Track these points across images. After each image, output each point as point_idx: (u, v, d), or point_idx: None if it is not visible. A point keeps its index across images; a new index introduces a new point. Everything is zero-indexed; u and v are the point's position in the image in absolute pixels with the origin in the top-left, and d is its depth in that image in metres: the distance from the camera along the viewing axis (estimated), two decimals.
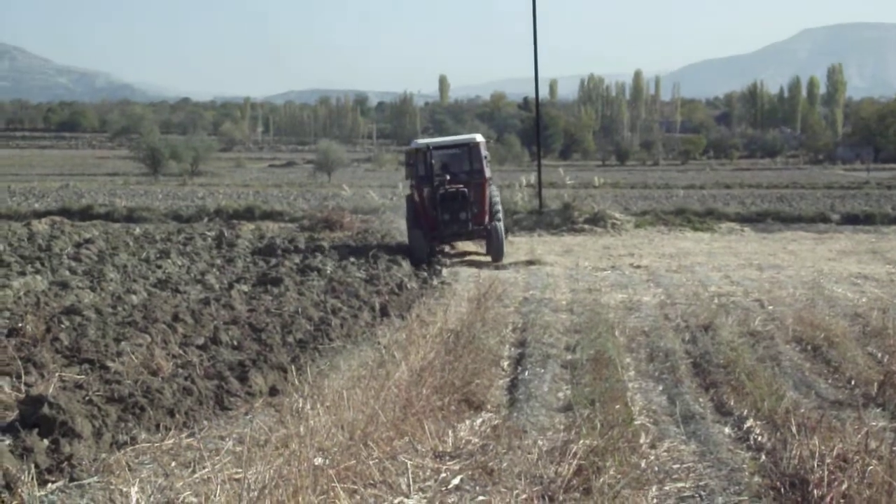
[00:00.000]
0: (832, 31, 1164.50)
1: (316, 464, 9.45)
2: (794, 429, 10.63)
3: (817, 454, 9.35)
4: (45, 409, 10.96)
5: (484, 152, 32.36)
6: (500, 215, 32.44)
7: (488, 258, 32.08)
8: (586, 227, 42.25)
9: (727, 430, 12.47)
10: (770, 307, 22.08)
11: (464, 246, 35.04)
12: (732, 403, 13.61)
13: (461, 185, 31.35)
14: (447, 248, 34.42)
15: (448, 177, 31.52)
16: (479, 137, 33.11)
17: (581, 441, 10.56)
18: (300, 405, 11.82)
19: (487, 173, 32.15)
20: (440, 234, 31.79)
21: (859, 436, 9.87)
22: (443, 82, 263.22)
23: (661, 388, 14.97)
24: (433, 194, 31.22)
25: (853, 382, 14.86)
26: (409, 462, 10.21)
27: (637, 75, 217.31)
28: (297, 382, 13.77)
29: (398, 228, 35.84)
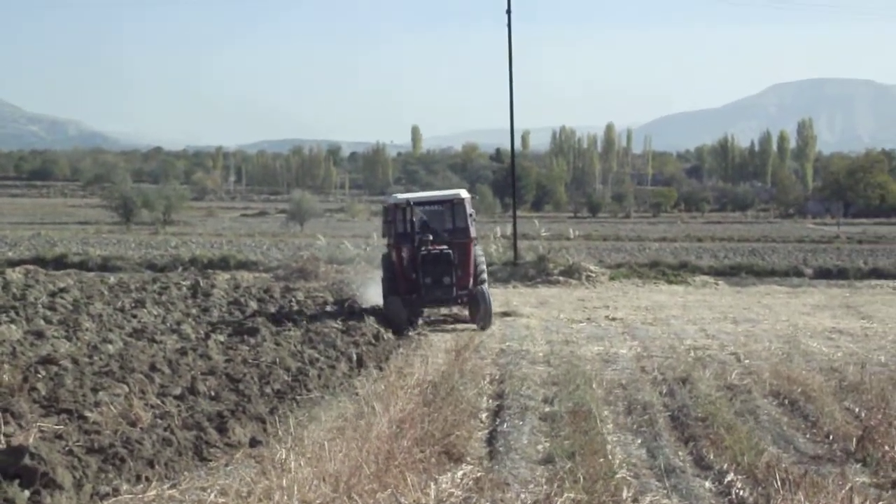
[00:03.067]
0: (801, 86, 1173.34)
1: None
2: (777, 484, 10.66)
3: None
4: (27, 460, 10.91)
5: (469, 209, 29.78)
6: (485, 277, 30.12)
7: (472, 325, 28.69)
8: (561, 279, 42.39)
9: (708, 483, 12.47)
10: (746, 361, 22.13)
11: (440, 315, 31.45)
12: (712, 457, 13.60)
13: (445, 246, 28.41)
14: (426, 312, 30.43)
15: (430, 236, 28.55)
16: (463, 193, 30.52)
17: (564, 495, 10.57)
18: (282, 456, 11.79)
19: (473, 232, 29.52)
20: (421, 299, 28.61)
21: (843, 492, 9.90)
22: (415, 132, 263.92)
23: (640, 440, 14.94)
24: (414, 255, 28.43)
25: (832, 437, 14.87)
26: None
27: (609, 128, 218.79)
28: (277, 433, 13.74)
29: (373, 279, 35.19)
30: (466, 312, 29.71)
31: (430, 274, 28.05)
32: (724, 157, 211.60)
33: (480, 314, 28.28)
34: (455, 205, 29.91)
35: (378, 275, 31.56)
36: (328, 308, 30.74)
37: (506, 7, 46.86)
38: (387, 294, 28.97)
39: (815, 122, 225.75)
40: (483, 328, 27.87)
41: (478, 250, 30.15)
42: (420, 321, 28.92)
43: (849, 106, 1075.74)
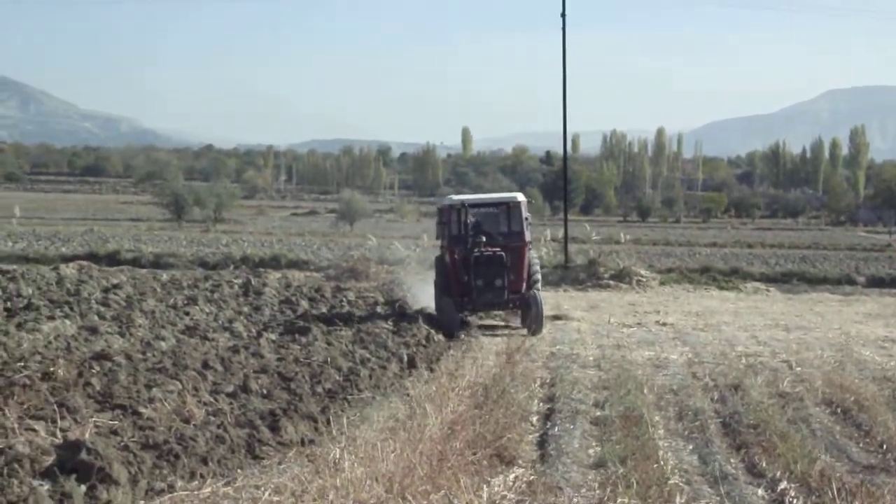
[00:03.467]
0: (855, 93, 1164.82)
1: None
2: (833, 493, 10.60)
3: None
4: (83, 455, 11.00)
5: (525, 213, 29.17)
6: (539, 284, 29.27)
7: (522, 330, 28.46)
8: (612, 283, 42.35)
9: (761, 491, 12.43)
10: (798, 369, 22.03)
11: (493, 318, 31.43)
12: (764, 465, 13.54)
13: (498, 249, 28.02)
14: (475, 319, 30.16)
15: (484, 238, 28.19)
16: (520, 196, 29.98)
17: (618, 500, 10.56)
18: (336, 456, 11.84)
19: (528, 236, 29.04)
20: (472, 302, 28.35)
21: None
22: (465, 134, 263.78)
23: (691, 447, 14.90)
24: (466, 257, 28.05)
25: (885, 447, 14.77)
26: None
27: (659, 132, 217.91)
28: (329, 433, 13.80)
29: (424, 280, 35.05)
30: (518, 317, 29.43)
31: (482, 276, 27.75)
32: (775, 163, 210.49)
33: (531, 319, 27.93)
34: (511, 208, 29.43)
35: (429, 276, 31.41)
36: (379, 308, 30.81)
37: (560, 11, 46.85)
38: (439, 296, 28.57)
39: (867, 129, 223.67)
40: (534, 333, 27.55)
41: (532, 255, 29.69)
42: (471, 323, 29.01)
43: None
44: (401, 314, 28.92)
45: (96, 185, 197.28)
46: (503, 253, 27.87)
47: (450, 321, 27.42)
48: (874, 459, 14.24)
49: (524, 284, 28.50)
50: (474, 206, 29.45)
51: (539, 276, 29.47)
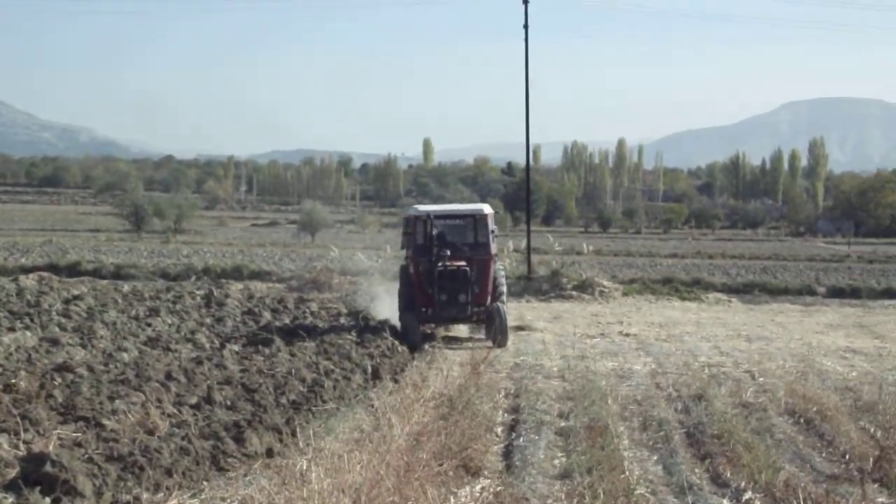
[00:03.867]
0: (813, 104, 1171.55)
1: None
2: (798, 502, 10.65)
3: None
4: (48, 468, 10.95)
5: (492, 225, 28.86)
6: (504, 297, 28.98)
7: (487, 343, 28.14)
8: (574, 293, 42.45)
9: (726, 502, 12.50)
10: (761, 379, 22.18)
11: (457, 330, 30.83)
12: (729, 475, 13.61)
13: (462, 262, 27.71)
14: (441, 331, 30.00)
15: (448, 251, 27.87)
16: (487, 209, 29.72)
17: None
18: (302, 467, 11.80)
19: (493, 249, 28.68)
20: (436, 315, 28.24)
21: None
22: (427, 145, 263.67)
23: (656, 457, 14.96)
24: (430, 269, 27.68)
25: (848, 457, 14.86)
26: None
27: (620, 143, 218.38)
28: (294, 444, 13.77)
29: (387, 291, 35.00)
30: (483, 329, 29.18)
31: (446, 291, 27.51)
32: (735, 174, 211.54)
33: (496, 331, 27.69)
34: (477, 220, 29.15)
35: (392, 287, 31.37)
36: (342, 319, 30.80)
37: (522, 22, 46.94)
38: (402, 308, 28.33)
39: (826, 140, 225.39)
40: (499, 345, 27.24)
41: (498, 267, 29.32)
42: (435, 335, 29.07)
43: (860, 125, 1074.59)
44: (364, 325, 28.89)
45: (55, 195, 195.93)
46: (467, 268, 27.61)
47: (412, 335, 27.23)
48: (837, 469, 14.33)
49: (489, 297, 28.18)
50: (440, 218, 29.03)
51: (504, 289, 29.09)
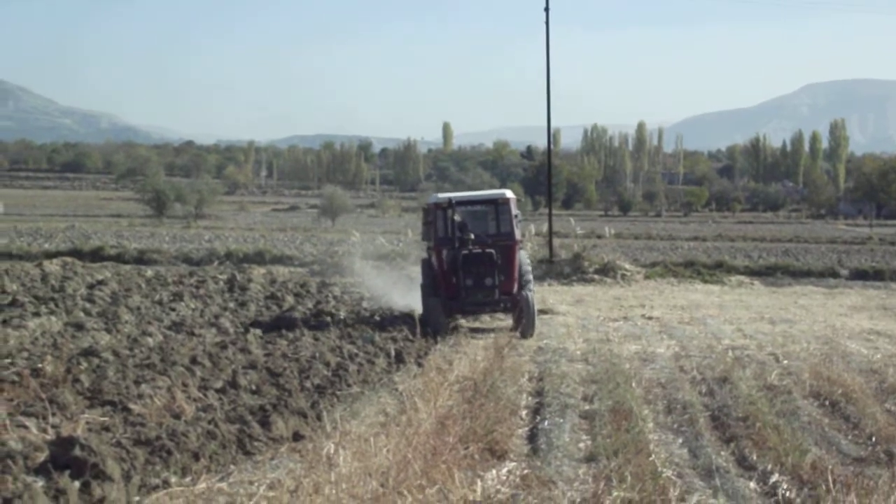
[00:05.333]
0: (834, 86, 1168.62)
1: None
2: (828, 485, 10.62)
3: None
4: (77, 451, 10.96)
5: (514, 210, 27.85)
6: (532, 284, 28.00)
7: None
8: (596, 277, 42.47)
9: (752, 484, 12.46)
10: (785, 361, 22.08)
11: (481, 318, 29.52)
12: (755, 457, 13.58)
13: (488, 247, 26.78)
14: (466, 322, 28.74)
15: (472, 236, 26.86)
16: (508, 193, 28.56)
17: (613, 493, 10.56)
18: (330, 451, 11.82)
19: (518, 235, 27.63)
20: (461, 302, 26.86)
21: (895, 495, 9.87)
22: (446, 129, 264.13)
23: (681, 440, 14.92)
24: (455, 256, 26.62)
25: (874, 439, 14.82)
26: None
27: (640, 126, 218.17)
28: (320, 427, 13.80)
29: (408, 276, 35.03)
30: (510, 320, 27.61)
31: (472, 275, 26.53)
32: (755, 156, 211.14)
33: (523, 322, 26.42)
34: (499, 205, 28.07)
35: (414, 271, 31.28)
36: (365, 304, 30.81)
37: (543, 5, 46.83)
38: (426, 296, 27.17)
39: (847, 122, 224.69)
40: (525, 336, 26.01)
41: (523, 254, 28.33)
42: (460, 326, 27.84)
43: (881, 107, 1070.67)
44: (388, 309, 28.90)
45: (76, 181, 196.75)
46: (493, 251, 26.66)
47: (436, 323, 26.18)
48: (864, 452, 14.29)
49: (515, 285, 27.14)
50: (461, 204, 27.89)
51: (531, 277, 28.14)
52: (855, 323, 30.24)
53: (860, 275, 47.71)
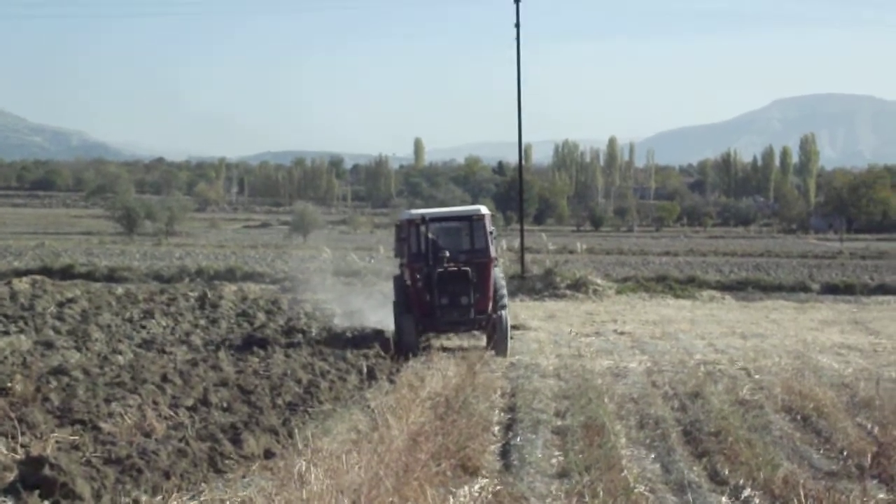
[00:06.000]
0: (804, 101, 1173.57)
1: None
2: (799, 500, 10.64)
3: None
4: (47, 471, 10.92)
5: (489, 227, 27.08)
6: (506, 301, 27.24)
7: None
8: (568, 292, 42.56)
9: (724, 499, 12.50)
10: (757, 376, 22.16)
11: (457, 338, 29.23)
12: (727, 472, 13.60)
13: (463, 265, 26.03)
14: (440, 340, 28.56)
15: (447, 253, 26.06)
16: (483, 209, 27.80)
17: None
18: (301, 468, 11.78)
19: (493, 252, 26.84)
20: (436, 321, 26.24)
21: None
22: (418, 145, 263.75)
23: (653, 455, 14.93)
24: (429, 274, 25.92)
25: (846, 453, 14.84)
26: None
27: (611, 142, 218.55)
28: (292, 445, 13.76)
29: (381, 292, 35.01)
30: (484, 337, 27.27)
31: (447, 294, 25.84)
32: (726, 171, 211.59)
33: (497, 341, 25.96)
34: (474, 222, 27.23)
35: (386, 287, 31.18)
36: (336, 320, 30.76)
37: (514, 21, 46.87)
38: (399, 314, 26.56)
39: (817, 137, 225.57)
40: (499, 354, 25.52)
41: (498, 272, 27.50)
42: (432, 346, 27.41)
43: (850, 121, 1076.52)
44: (360, 327, 28.85)
45: (46, 199, 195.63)
46: (468, 269, 25.95)
47: (408, 341, 25.81)
48: (836, 466, 14.31)
49: (490, 303, 26.48)
50: (435, 221, 27.07)
51: (505, 294, 27.44)
52: (826, 337, 30.35)
53: (831, 289, 47.90)
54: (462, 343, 28.61)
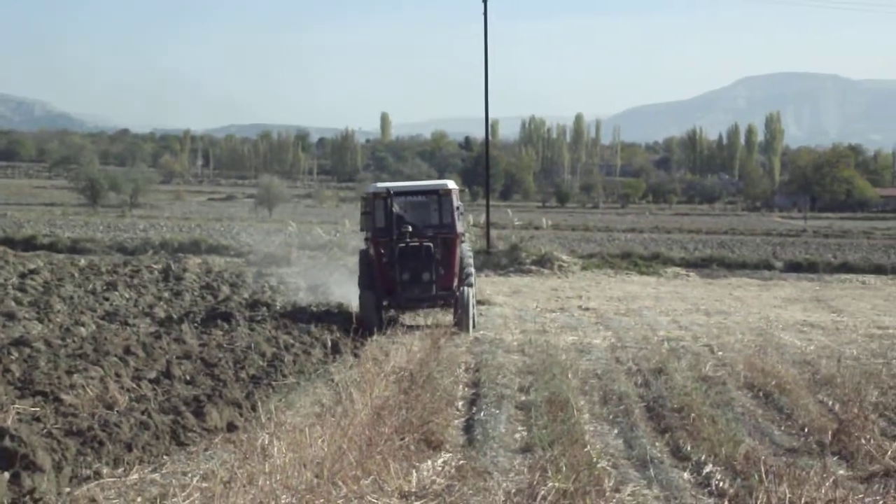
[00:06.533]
0: (769, 79, 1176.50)
1: (285, 502, 9.40)
2: (761, 476, 10.68)
3: (787, 502, 9.38)
4: (7, 442, 10.85)
5: (456, 202, 26.59)
6: (473, 279, 26.87)
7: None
8: (534, 268, 42.62)
9: (686, 475, 12.53)
10: (720, 353, 22.28)
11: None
12: (689, 448, 13.66)
13: (426, 240, 25.67)
14: (405, 317, 27.96)
15: (410, 228, 25.53)
16: (451, 184, 27.28)
17: (548, 484, 10.55)
18: (264, 441, 11.76)
19: (460, 227, 26.48)
20: (397, 298, 25.92)
21: (827, 484, 9.92)
22: (384, 120, 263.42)
23: (616, 431, 15.00)
24: (392, 249, 25.45)
25: (807, 430, 14.93)
26: (378, 502, 10.16)
27: (578, 118, 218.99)
28: (255, 418, 13.73)
29: (345, 266, 35.01)
30: (450, 316, 26.87)
31: (409, 269, 25.38)
32: (692, 149, 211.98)
33: (461, 315, 25.67)
34: (441, 196, 26.67)
35: (351, 261, 31.12)
36: (301, 294, 30.70)
37: None
38: (362, 291, 26.06)
39: (782, 115, 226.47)
40: (462, 329, 25.27)
41: (465, 247, 27.19)
42: (397, 322, 26.57)
43: (816, 100, 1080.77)
44: (324, 302, 28.81)
45: (9, 169, 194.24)
46: (431, 244, 25.57)
47: (369, 319, 25.18)
48: (797, 442, 14.41)
49: (455, 279, 26.23)
50: (401, 195, 26.62)
51: (472, 270, 26.98)
52: (789, 315, 30.52)
53: (794, 267, 48.11)
54: (430, 317, 28.07)
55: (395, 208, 25.88)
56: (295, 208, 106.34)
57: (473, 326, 25.98)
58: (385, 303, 26.19)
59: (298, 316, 25.57)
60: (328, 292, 30.51)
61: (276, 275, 36.31)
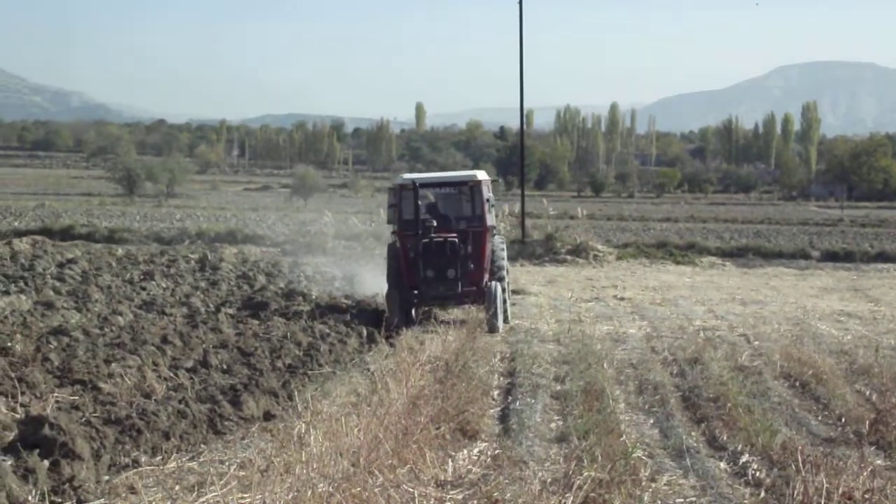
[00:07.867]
0: (806, 68, 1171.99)
1: (322, 490, 9.44)
2: (798, 465, 10.66)
3: (824, 492, 9.35)
4: (46, 430, 10.93)
5: (487, 193, 25.33)
6: (506, 273, 25.69)
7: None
8: (569, 258, 42.53)
9: (723, 464, 12.49)
10: (756, 342, 22.18)
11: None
12: (725, 438, 13.62)
13: (452, 234, 24.44)
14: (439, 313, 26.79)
15: (434, 223, 24.24)
16: (480, 175, 26.02)
17: (584, 473, 10.56)
18: (301, 430, 11.82)
19: (490, 220, 25.14)
20: (421, 295, 24.76)
21: (865, 474, 9.89)
22: (419, 110, 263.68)
23: (652, 420, 14.97)
24: (417, 244, 24.30)
25: (844, 420, 14.87)
26: (414, 491, 10.18)
27: (613, 108, 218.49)
28: (291, 407, 13.81)
29: (381, 255, 34.91)
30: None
31: (433, 266, 24.19)
32: (728, 138, 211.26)
33: (489, 312, 23.96)
34: (471, 188, 25.47)
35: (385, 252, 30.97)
36: (337, 284, 30.77)
37: None
38: (389, 288, 24.94)
39: (819, 104, 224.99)
40: (491, 329, 23.63)
41: (496, 241, 25.84)
42: (425, 319, 25.61)
43: (853, 89, 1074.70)
44: (359, 292, 28.87)
45: (46, 159, 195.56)
46: (455, 239, 24.33)
47: (393, 315, 24.03)
48: (834, 432, 14.34)
49: (485, 276, 24.99)
50: (428, 186, 25.74)
51: (504, 264, 25.74)
52: (825, 304, 30.36)
53: (831, 256, 47.89)
54: (462, 315, 26.64)
55: (423, 200, 25.01)
56: (330, 198, 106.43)
57: (506, 321, 25.00)
58: (415, 300, 25.13)
59: (334, 306, 25.63)
60: (363, 283, 30.52)
61: (311, 264, 36.37)
